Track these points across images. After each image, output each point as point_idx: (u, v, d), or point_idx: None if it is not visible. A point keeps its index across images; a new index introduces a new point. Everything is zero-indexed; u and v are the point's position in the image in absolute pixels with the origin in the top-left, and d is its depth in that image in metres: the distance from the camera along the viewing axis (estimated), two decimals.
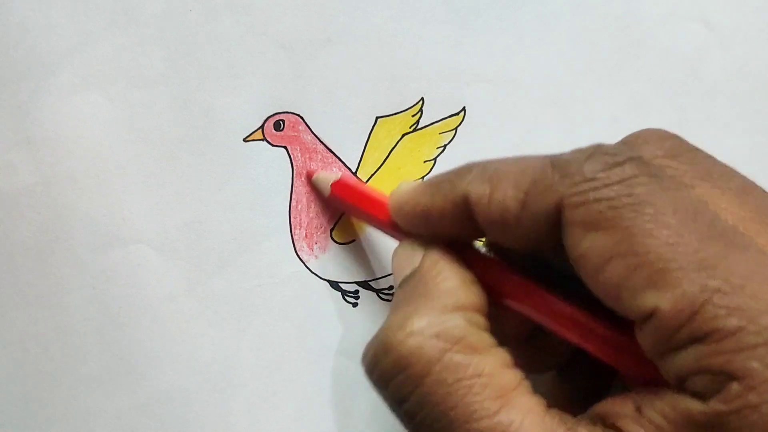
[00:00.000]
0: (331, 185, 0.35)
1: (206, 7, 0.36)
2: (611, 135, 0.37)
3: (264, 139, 0.36)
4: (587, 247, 0.23)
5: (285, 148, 0.36)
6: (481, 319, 0.26)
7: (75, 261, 0.36)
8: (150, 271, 0.37)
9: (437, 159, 0.37)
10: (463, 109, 0.37)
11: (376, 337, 0.27)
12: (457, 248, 0.28)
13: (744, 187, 0.26)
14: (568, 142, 0.37)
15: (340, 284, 0.37)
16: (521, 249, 0.27)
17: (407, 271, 0.28)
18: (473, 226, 0.27)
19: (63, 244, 0.36)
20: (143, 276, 0.37)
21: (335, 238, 0.37)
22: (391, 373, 0.26)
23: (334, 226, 0.37)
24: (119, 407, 0.37)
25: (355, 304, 0.37)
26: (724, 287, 0.21)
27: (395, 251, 0.30)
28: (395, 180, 0.37)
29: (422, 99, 0.37)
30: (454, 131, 0.37)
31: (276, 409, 0.37)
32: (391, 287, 0.37)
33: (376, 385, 0.27)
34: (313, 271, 0.37)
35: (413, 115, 0.37)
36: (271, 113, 0.36)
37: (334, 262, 0.37)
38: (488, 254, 0.29)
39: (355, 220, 0.37)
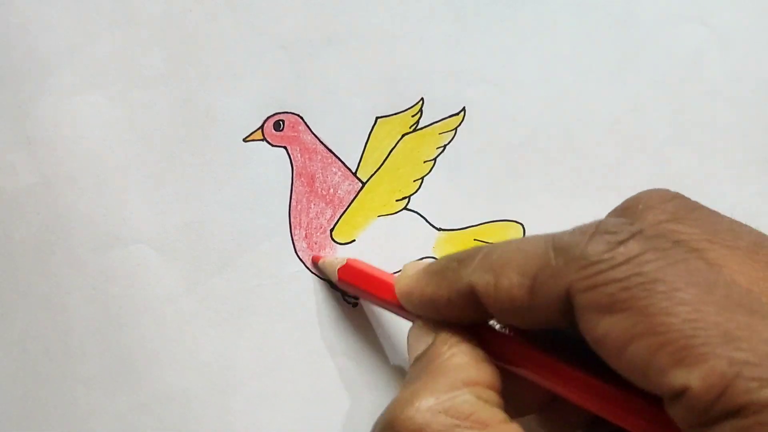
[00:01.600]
0: (338, 270, 0.35)
1: (206, 8, 0.36)
2: (611, 135, 0.37)
3: (264, 139, 0.36)
4: (604, 331, 0.23)
5: (285, 148, 0.36)
6: (492, 395, 0.26)
7: (75, 261, 0.36)
8: (150, 271, 0.37)
9: (437, 159, 0.37)
10: (463, 109, 0.37)
11: (384, 413, 0.26)
12: (471, 326, 0.28)
13: (754, 242, 0.26)
14: (568, 142, 0.37)
15: None
16: (534, 329, 0.26)
17: (420, 350, 0.28)
18: (482, 311, 0.26)
19: (63, 244, 0.36)
20: (143, 276, 0.37)
21: (335, 239, 0.37)
22: None
23: (334, 227, 0.37)
24: (119, 407, 0.37)
25: (354, 305, 0.37)
26: (752, 359, 0.21)
27: (410, 331, 0.30)
28: (395, 180, 0.37)
29: (422, 99, 0.37)
30: (454, 131, 0.37)
31: (276, 409, 0.37)
32: None
33: None
34: (312, 271, 0.37)
35: (413, 116, 0.37)
36: (271, 113, 0.36)
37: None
38: (502, 329, 0.29)
39: (353, 221, 0.37)
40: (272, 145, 0.36)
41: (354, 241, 0.37)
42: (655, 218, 0.26)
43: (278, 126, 0.36)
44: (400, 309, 0.31)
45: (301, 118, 0.36)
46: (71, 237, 0.36)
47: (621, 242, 0.23)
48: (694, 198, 0.36)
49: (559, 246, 0.24)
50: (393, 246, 0.37)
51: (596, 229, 0.24)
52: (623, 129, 0.37)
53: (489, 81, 0.37)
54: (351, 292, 0.36)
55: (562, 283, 0.24)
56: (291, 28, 0.36)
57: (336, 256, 0.36)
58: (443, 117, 0.37)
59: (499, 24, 0.37)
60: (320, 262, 0.36)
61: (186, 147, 0.36)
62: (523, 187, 0.37)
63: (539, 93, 0.37)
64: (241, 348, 0.37)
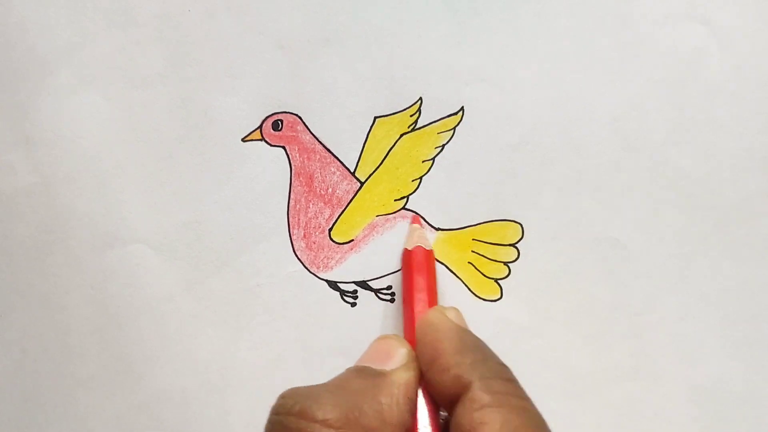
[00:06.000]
0: (405, 249, 0.35)
1: (205, 8, 0.36)
2: (610, 134, 0.37)
3: (262, 138, 0.36)
4: None
5: (283, 147, 0.36)
6: None
7: (74, 261, 0.36)
8: (149, 270, 0.37)
9: (435, 159, 0.37)
10: (462, 108, 0.37)
11: (286, 396, 0.27)
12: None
13: None
14: (567, 142, 0.37)
15: (339, 284, 0.37)
16: None
17: (376, 362, 0.30)
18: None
19: (62, 244, 0.36)
20: (142, 276, 0.37)
21: (333, 238, 0.37)
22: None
23: (333, 226, 0.37)
24: (118, 407, 0.37)
25: (353, 304, 0.37)
26: None
27: (388, 336, 0.31)
28: (394, 179, 0.37)
29: (420, 99, 0.37)
30: (452, 131, 0.37)
31: None
32: (389, 287, 0.37)
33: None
34: (311, 270, 0.37)
35: (411, 115, 0.37)
36: (270, 113, 0.36)
37: (333, 262, 0.37)
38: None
39: (352, 221, 0.37)
40: (271, 145, 0.36)
41: (352, 240, 0.37)
42: None
43: (277, 126, 0.36)
44: (409, 314, 0.32)
45: (300, 117, 0.36)
46: (70, 236, 0.36)
47: None
48: (692, 198, 0.36)
49: None
50: (391, 246, 0.37)
51: None
52: (622, 128, 0.37)
53: (487, 80, 0.37)
54: (402, 269, 0.36)
55: None
56: (289, 27, 0.36)
57: (429, 236, 0.36)
58: (442, 116, 0.37)
59: (497, 23, 0.36)
60: (413, 225, 0.36)
61: (184, 147, 0.36)
62: (521, 187, 0.37)
63: (538, 92, 0.37)
64: (239, 348, 0.37)
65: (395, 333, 0.37)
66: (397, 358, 0.29)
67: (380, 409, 0.27)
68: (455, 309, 0.32)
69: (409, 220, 0.37)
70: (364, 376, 0.28)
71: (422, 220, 0.37)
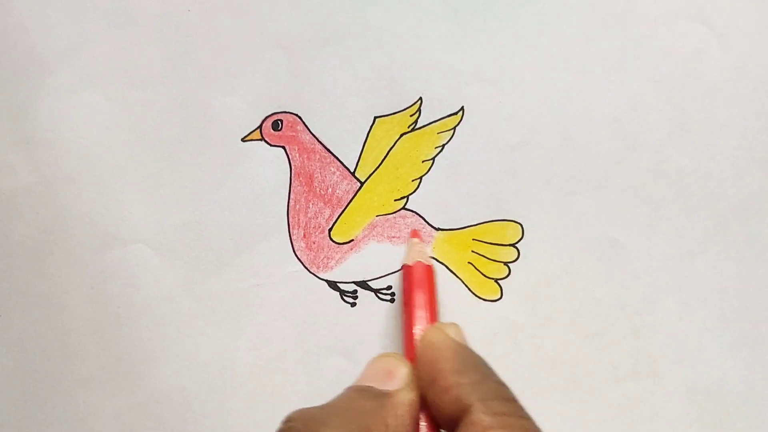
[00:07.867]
0: (404, 266, 0.35)
1: (205, 8, 0.36)
2: (610, 134, 0.37)
3: (262, 138, 0.36)
4: None
5: (283, 147, 0.36)
6: None
7: (73, 261, 0.37)
8: (148, 271, 0.37)
9: (435, 159, 0.37)
10: (462, 108, 0.37)
11: (294, 416, 0.28)
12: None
13: None
14: (567, 141, 0.37)
15: (339, 284, 0.37)
16: None
17: (377, 381, 0.29)
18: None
19: (62, 244, 0.36)
20: (141, 276, 0.37)
21: (333, 238, 0.37)
22: None
23: (333, 226, 0.37)
24: (118, 407, 0.37)
25: (353, 304, 0.37)
26: None
27: (388, 354, 0.31)
28: (394, 179, 0.37)
29: (420, 99, 0.37)
30: (452, 131, 0.37)
31: (274, 408, 0.37)
32: (389, 287, 0.37)
33: None
34: (311, 270, 0.37)
35: (411, 115, 0.37)
36: (270, 113, 0.36)
37: (333, 262, 0.37)
38: None
39: (352, 221, 0.37)
40: (271, 145, 0.36)
41: (352, 240, 0.37)
42: None
43: (276, 126, 0.36)
44: (409, 331, 0.32)
45: (300, 117, 0.36)
46: (70, 237, 0.36)
47: None
48: (692, 198, 0.36)
49: None
50: (391, 246, 0.37)
51: None
52: (622, 128, 0.37)
53: (487, 80, 0.37)
54: (403, 284, 0.36)
55: None
56: (289, 28, 0.36)
57: (428, 252, 0.36)
58: (441, 116, 0.37)
59: (497, 23, 0.36)
60: (412, 240, 0.36)
61: (184, 147, 0.36)
62: (521, 187, 0.37)
63: (538, 92, 0.37)
64: (239, 348, 0.37)
65: (395, 333, 0.37)
66: (399, 377, 0.29)
67: (387, 431, 0.27)
68: (455, 325, 0.32)
69: (408, 221, 0.37)
70: (368, 397, 0.28)
71: (425, 223, 0.37)
